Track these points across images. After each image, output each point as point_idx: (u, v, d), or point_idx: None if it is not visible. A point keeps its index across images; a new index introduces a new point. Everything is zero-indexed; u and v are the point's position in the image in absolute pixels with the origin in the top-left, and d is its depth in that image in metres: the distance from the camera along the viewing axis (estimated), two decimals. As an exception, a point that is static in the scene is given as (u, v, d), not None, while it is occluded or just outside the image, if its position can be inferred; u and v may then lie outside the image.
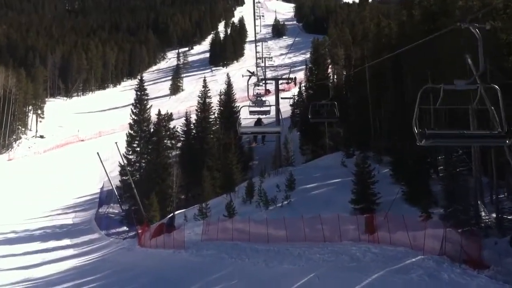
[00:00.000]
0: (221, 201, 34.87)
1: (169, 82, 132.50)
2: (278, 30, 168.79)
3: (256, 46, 76.67)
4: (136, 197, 40.62)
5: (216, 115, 58.78)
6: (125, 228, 44.40)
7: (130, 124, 50.59)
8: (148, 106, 50.72)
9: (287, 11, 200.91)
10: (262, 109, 24.52)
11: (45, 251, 38.25)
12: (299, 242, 23.80)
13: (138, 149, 49.39)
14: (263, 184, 34.30)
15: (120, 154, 45.13)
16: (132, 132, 49.83)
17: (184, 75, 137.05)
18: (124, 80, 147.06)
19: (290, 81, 44.13)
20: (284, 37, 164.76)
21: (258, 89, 37.28)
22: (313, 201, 28.87)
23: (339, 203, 27.38)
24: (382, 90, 40.89)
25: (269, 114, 25.36)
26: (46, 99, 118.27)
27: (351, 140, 41.77)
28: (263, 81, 43.03)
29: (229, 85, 62.73)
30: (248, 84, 24.93)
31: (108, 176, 50.70)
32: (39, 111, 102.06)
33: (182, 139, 55.01)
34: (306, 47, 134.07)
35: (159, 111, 52.95)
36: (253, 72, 41.52)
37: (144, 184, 44.82)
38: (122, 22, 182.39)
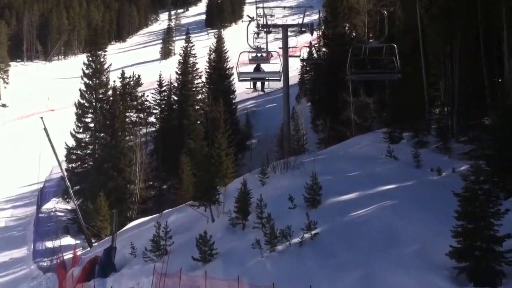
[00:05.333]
0: (195, 219, 21.16)
1: (161, 46, 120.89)
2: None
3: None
4: (74, 201, 27.27)
5: (204, 79, 45.00)
6: (68, 240, 31.21)
7: (80, 91, 36.64)
8: (105, 66, 36.55)
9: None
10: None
11: None
12: None
13: (92, 125, 35.75)
14: (265, 187, 20.91)
15: (48, 136, 31.24)
16: (83, 101, 36.05)
17: (177, 38, 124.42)
18: (112, 43, 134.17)
19: (305, 29, 30.32)
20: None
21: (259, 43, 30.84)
22: (357, 234, 15.27)
23: (413, 242, 14.11)
24: (448, 38, 26.98)
25: (269, 62, 24.56)
26: (22, 63, 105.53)
27: (394, 116, 28.15)
28: (266, 30, 29.85)
29: (219, 39, 47.45)
30: (247, 30, 25.24)
31: (58, 159, 36.77)
32: (3, 75, 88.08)
33: (155, 111, 41.01)
34: (311, 8, 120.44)
35: (123, 73, 38.64)
36: (253, 17, 30.81)
37: (94, 177, 31.33)
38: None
